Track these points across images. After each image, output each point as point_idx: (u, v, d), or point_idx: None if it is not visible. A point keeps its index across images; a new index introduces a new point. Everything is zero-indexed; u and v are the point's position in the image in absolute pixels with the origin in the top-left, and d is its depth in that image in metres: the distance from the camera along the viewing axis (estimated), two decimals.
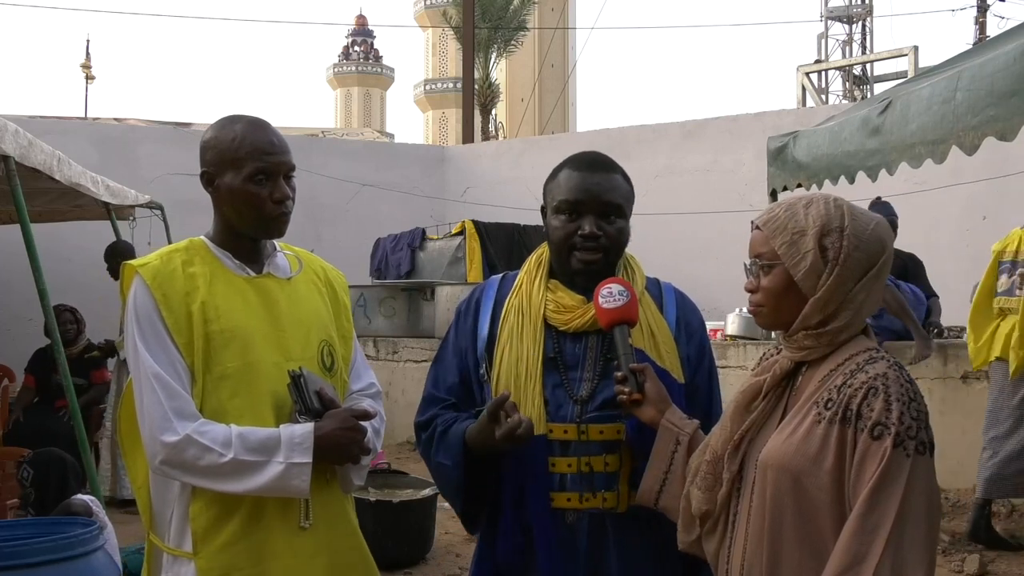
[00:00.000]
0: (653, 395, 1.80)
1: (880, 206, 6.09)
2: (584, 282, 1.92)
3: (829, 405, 1.52)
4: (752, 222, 1.69)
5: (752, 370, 1.73)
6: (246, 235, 1.98)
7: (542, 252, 2.04)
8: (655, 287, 2.05)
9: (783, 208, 1.62)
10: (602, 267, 1.93)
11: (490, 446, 1.82)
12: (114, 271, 6.16)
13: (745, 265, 1.66)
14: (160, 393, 1.81)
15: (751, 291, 1.66)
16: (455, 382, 2.00)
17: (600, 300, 1.85)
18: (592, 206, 1.90)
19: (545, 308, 1.94)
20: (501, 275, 2.12)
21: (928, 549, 1.44)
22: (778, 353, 1.69)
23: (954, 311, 7.37)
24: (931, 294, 6.21)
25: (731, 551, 1.63)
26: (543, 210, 2.02)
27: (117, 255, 6.25)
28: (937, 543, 1.50)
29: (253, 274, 1.99)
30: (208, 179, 1.96)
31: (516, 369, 1.91)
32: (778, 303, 1.61)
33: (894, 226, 6.01)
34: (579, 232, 1.90)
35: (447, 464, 1.92)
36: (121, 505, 5.79)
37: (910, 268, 6.16)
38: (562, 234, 1.92)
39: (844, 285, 1.56)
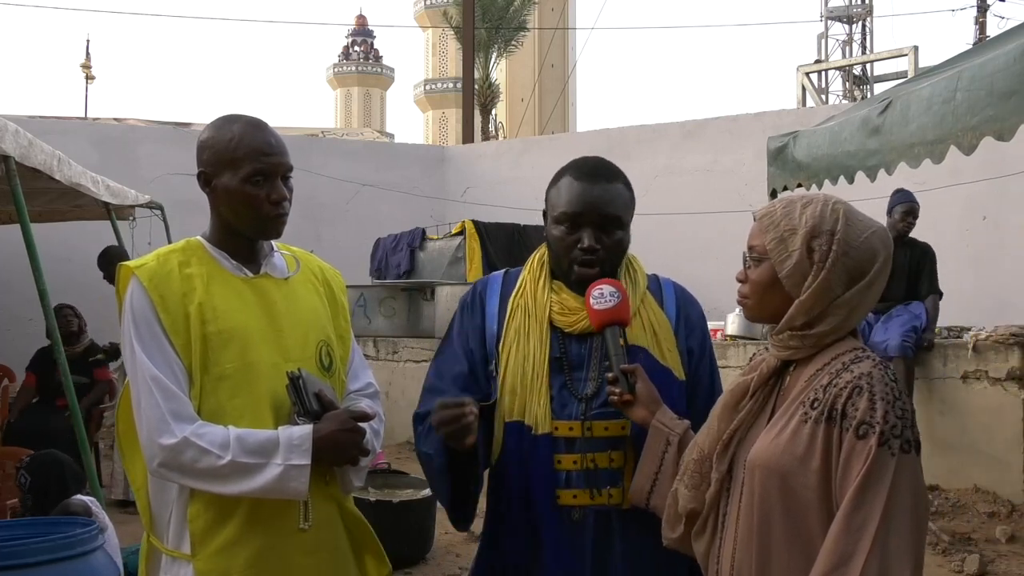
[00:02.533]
0: (644, 396, 1.81)
1: (901, 192, 6.12)
2: (584, 291, 1.93)
3: (815, 405, 1.53)
4: (752, 213, 1.70)
5: (742, 371, 1.73)
6: (243, 235, 1.97)
7: (543, 252, 2.05)
8: (655, 283, 2.06)
9: (782, 204, 1.62)
10: (600, 277, 1.93)
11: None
12: (110, 276, 6.15)
13: (743, 254, 1.67)
14: (157, 395, 1.81)
15: (741, 281, 1.66)
16: (461, 371, 1.99)
17: (591, 301, 1.86)
18: (591, 218, 1.91)
19: (550, 309, 1.95)
20: (503, 271, 2.12)
21: (915, 547, 1.44)
22: (766, 352, 1.69)
23: (954, 311, 7.36)
24: (933, 291, 6.16)
25: (721, 551, 1.63)
26: (545, 214, 2.02)
27: (111, 260, 6.24)
28: (924, 541, 1.50)
29: (250, 274, 1.98)
30: (205, 179, 1.96)
31: (523, 368, 1.92)
32: (762, 297, 1.62)
33: (915, 212, 6.03)
34: (579, 245, 1.90)
35: (431, 454, 1.91)
36: (123, 506, 5.80)
37: (924, 262, 6.09)
38: (562, 246, 1.93)
39: (830, 290, 1.55)
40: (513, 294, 2.01)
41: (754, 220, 1.66)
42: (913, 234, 6.19)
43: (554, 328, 1.95)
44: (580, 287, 1.93)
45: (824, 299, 1.56)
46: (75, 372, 5.87)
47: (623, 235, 1.95)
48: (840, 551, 1.43)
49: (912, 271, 6.01)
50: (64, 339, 6.27)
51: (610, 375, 1.83)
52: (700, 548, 1.69)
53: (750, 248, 1.64)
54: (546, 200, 2.00)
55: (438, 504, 5.20)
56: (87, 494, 3.81)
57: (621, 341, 1.86)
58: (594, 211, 1.90)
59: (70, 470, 3.93)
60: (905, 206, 6.01)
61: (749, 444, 1.61)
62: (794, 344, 1.60)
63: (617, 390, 1.81)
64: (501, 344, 1.96)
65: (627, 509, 1.88)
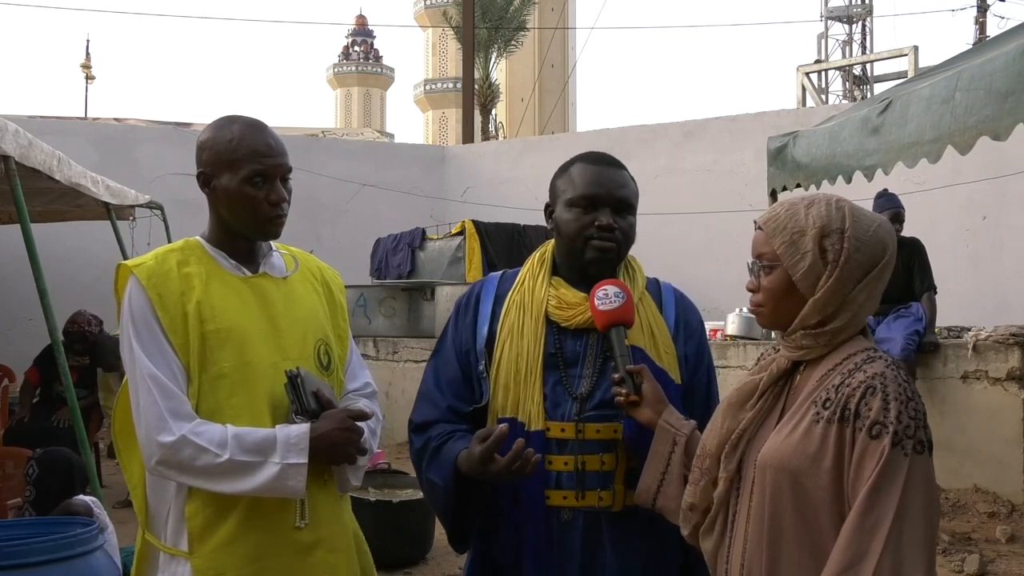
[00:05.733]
0: (650, 396, 1.80)
1: (886, 198, 6.08)
2: (596, 272, 1.92)
3: (827, 404, 1.52)
4: (755, 221, 1.69)
5: (750, 370, 1.73)
6: (242, 235, 1.98)
7: (545, 250, 2.04)
8: (655, 287, 2.05)
9: (784, 208, 1.62)
10: (614, 259, 1.93)
11: (480, 477, 1.80)
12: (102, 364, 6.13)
13: (748, 264, 1.66)
14: (156, 394, 1.81)
15: (752, 291, 1.65)
16: (455, 376, 1.99)
17: (596, 302, 1.85)
18: (608, 200, 1.91)
19: (547, 304, 1.94)
20: (500, 272, 2.12)
21: (927, 547, 1.44)
22: (776, 353, 1.69)
23: (954, 311, 7.37)
24: (929, 287, 6.15)
25: (731, 551, 1.63)
26: (547, 208, 2.01)
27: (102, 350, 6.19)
28: (936, 541, 1.50)
29: (249, 274, 1.98)
30: (204, 180, 1.96)
31: (516, 365, 1.91)
32: (778, 304, 1.61)
33: (900, 218, 6.01)
34: (596, 223, 1.90)
35: (438, 484, 1.91)
36: (130, 505, 5.80)
37: (914, 259, 6.08)
38: (577, 227, 1.91)
39: (844, 287, 1.56)
40: (510, 292, 2.00)
41: (756, 228, 1.65)
42: (909, 232, 6.18)
43: (550, 323, 1.94)
44: (594, 267, 1.92)
45: (838, 296, 1.56)
46: (80, 384, 5.87)
47: (634, 221, 1.96)
48: (853, 551, 1.42)
49: (905, 270, 5.98)
50: (77, 351, 6.28)
51: (616, 376, 1.81)
52: (707, 546, 1.69)
53: (759, 256, 1.62)
54: (553, 191, 2.00)
55: None
56: (88, 494, 3.82)
57: (626, 341, 1.86)
58: (609, 193, 1.91)
59: (79, 471, 3.93)
60: (891, 212, 5.95)
61: (759, 444, 1.60)
62: (807, 343, 1.59)
63: (623, 391, 1.79)
64: (496, 341, 1.95)
65: (618, 512, 1.87)
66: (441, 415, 1.96)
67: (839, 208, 1.58)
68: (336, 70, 58.97)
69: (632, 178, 1.99)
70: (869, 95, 22.75)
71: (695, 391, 1.98)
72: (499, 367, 1.93)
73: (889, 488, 1.43)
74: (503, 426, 1.79)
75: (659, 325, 1.97)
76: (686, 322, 2.02)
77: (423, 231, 10.46)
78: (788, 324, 1.62)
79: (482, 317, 2.01)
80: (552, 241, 2.04)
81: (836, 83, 27.22)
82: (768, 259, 1.61)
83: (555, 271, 2.00)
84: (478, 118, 21.52)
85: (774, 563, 1.54)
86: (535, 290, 1.97)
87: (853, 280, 1.56)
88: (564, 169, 2.00)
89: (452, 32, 26.35)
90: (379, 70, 59.21)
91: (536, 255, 2.05)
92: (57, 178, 5.21)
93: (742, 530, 1.61)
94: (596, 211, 1.90)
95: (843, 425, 1.49)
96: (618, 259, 1.95)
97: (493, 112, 26.39)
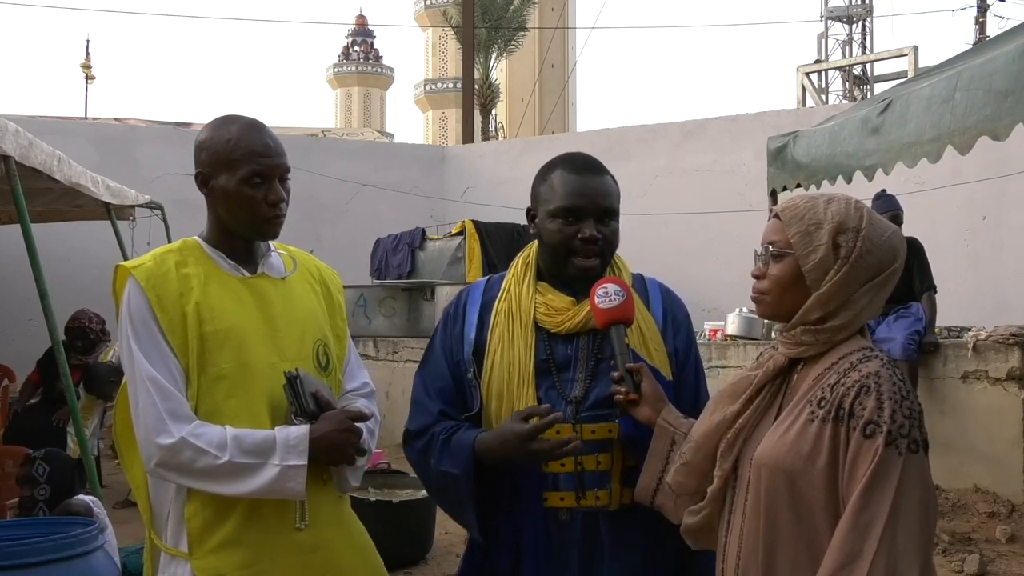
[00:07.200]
0: (650, 394, 1.81)
1: (884, 199, 6.08)
2: (583, 288, 1.92)
3: (822, 404, 1.53)
4: (771, 209, 1.69)
5: (748, 367, 1.73)
6: (240, 236, 1.98)
7: (528, 254, 2.03)
8: (640, 283, 2.05)
9: (804, 200, 1.63)
10: (599, 273, 1.93)
11: (510, 457, 1.80)
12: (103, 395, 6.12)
13: (756, 252, 1.67)
14: (155, 395, 1.81)
15: (758, 277, 1.66)
16: (446, 385, 1.98)
17: (596, 300, 1.85)
18: (591, 210, 1.90)
19: (535, 311, 1.94)
20: (485, 278, 2.11)
21: (922, 546, 1.44)
22: (775, 351, 1.69)
23: (954, 311, 7.37)
24: (929, 287, 6.14)
25: (726, 548, 1.64)
26: (529, 213, 2.01)
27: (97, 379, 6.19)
28: (932, 541, 1.50)
29: (247, 274, 1.98)
30: (203, 180, 1.96)
31: (508, 373, 1.91)
32: (782, 293, 1.62)
33: (899, 220, 6.01)
34: (579, 236, 1.89)
35: (455, 473, 1.87)
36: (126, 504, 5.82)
37: (913, 259, 6.07)
38: (560, 238, 1.91)
39: (849, 285, 1.57)
40: (497, 299, 1.99)
41: (771, 217, 1.67)
42: (910, 234, 6.17)
43: (540, 329, 1.93)
44: (577, 282, 1.92)
45: (843, 293, 1.57)
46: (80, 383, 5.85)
47: (617, 226, 1.95)
48: (847, 550, 1.43)
49: (905, 270, 5.95)
50: (77, 349, 6.28)
51: (615, 374, 1.81)
52: (689, 521, 1.70)
53: (771, 243, 1.63)
54: (534, 196, 1.99)
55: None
56: (88, 494, 3.82)
57: (625, 339, 1.86)
58: (593, 203, 1.90)
59: (78, 469, 3.95)
60: (889, 214, 5.92)
61: (755, 442, 1.61)
62: (806, 340, 1.60)
63: (623, 389, 1.80)
64: (486, 350, 1.95)
65: (615, 511, 1.88)
66: (435, 420, 1.95)
67: (858, 209, 1.60)
68: (336, 70, 58.95)
69: (614, 180, 1.97)
70: (869, 95, 22.75)
71: (684, 384, 1.98)
72: (491, 376, 1.92)
73: (883, 487, 1.43)
74: (548, 407, 1.80)
75: (648, 322, 1.97)
76: (673, 316, 2.02)
77: (423, 231, 10.46)
78: (787, 316, 1.63)
79: (468, 325, 2.00)
80: (535, 244, 2.02)
81: (836, 83, 27.24)
82: (780, 247, 1.62)
83: (540, 275, 1.99)
84: (478, 118, 21.52)
85: (770, 561, 1.55)
86: (521, 297, 1.96)
87: (860, 280, 1.57)
88: (545, 175, 1.98)
89: (452, 32, 26.34)
90: (379, 70, 59.19)
91: (519, 260, 2.04)
92: (57, 178, 5.21)
93: (738, 528, 1.61)
94: (580, 223, 1.90)
95: (837, 424, 1.50)
96: (601, 270, 1.94)
97: (493, 112, 26.38)
